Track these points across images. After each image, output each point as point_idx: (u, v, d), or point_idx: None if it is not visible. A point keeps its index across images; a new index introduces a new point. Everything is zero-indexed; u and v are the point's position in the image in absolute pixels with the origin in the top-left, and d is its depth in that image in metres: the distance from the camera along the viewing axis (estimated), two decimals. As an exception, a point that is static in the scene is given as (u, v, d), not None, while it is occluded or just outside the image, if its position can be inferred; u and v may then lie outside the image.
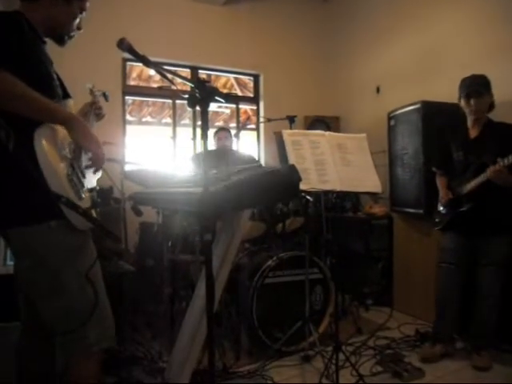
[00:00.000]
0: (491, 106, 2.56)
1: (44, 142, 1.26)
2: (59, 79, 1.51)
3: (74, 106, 1.57)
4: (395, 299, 3.69)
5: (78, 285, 1.33)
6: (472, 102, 2.50)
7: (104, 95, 1.84)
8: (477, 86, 2.48)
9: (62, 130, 1.35)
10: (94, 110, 1.73)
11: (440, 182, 2.78)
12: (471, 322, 2.64)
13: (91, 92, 1.77)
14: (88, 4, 1.54)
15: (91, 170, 1.46)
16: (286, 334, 2.68)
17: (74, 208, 1.28)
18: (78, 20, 1.52)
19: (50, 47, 1.51)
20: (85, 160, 1.47)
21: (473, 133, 2.60)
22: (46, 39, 1.49)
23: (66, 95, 1.54)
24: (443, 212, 2.70)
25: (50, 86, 1.39)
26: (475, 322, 2.61)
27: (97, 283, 1.39)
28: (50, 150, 1.28)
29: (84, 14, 1.54)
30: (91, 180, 1.53)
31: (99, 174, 1.56)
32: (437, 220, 2.76)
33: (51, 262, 1.30)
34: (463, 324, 2.74)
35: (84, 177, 1.46)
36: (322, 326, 2.88)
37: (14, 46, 1.24)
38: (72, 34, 1.54)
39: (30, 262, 1.32)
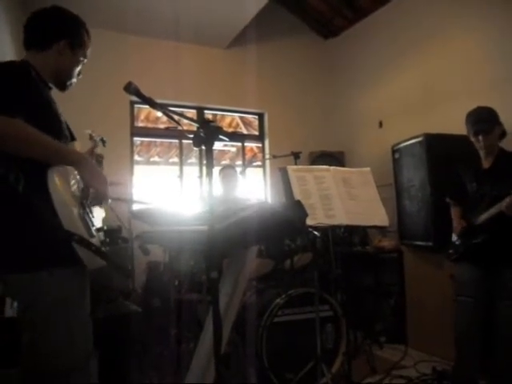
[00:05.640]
0: (502, 134, 2.50)
1: (57, 180, 1.28)
2: (65, 122, 1.55)
3: (79, 148, 1.59)
4: (409, 335, 3.58)
5: (67, 337, 1.31)
6: (481, 138, 2.45)
7: (102, 141, 1.85)
8: (483, 124, 2.43)
9: (71, 169, 1.38)
10: (95, 157, 1.75)
11: (454, 213, 2.71)
12: (493, 359, 2.51)
13: (91, 137, 1.80)
14: (89, 52, 1.61)
15: (96, 208, 1.48)
16: (297, 375, 2.59)
17: (87, 246, 1.28)
18: (79, 67, 1.59)
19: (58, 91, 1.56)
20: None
21: (486, 163, 2.54)
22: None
23: (72, 138, 1.58)
24: (457, 243, 2.64)
25: (59, 130, 1.43)
26: (496, 361, 2.47)
27: (87, 336, 1.38)
28: (62, 188, 1.30)
29: (85, 61, 1.61)
30: (98, 219, 1.54)
31: (103, 214, 1.58)
32: (450, 251, 2.68)
33: (42, 310, 1.28)
34: (485, 361, 2.60)
35: (93, 215, 1.48)
36: (335, 365, 2.78)
37: (24, 94, 1.29)
38: (74, 80, 1.60)
39: (22, 306, 1.32)
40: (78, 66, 1.57)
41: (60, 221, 1.24)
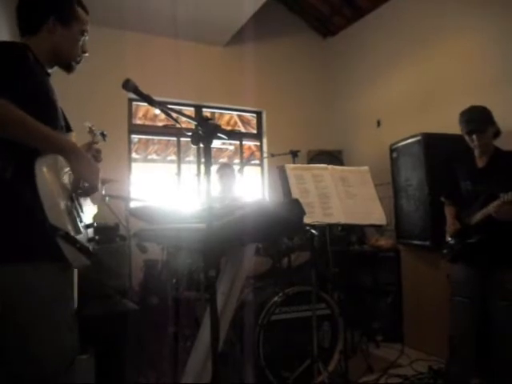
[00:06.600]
0: (497, 133, 2.49)
1: (45, 170, 1.22)
2: (62, 112, 1.49)
3: (74, 140, 1.50)
4: (406, 334, 3.59)
5: (51, 335, 1.25)
6: (474, 137, 2.45)
7: (102, 134, 1.78)
8: (477, 124, 2.43)
9: (63, 161, 1.31)
10: (92, 152, 1.65)
11: (448, 212, 2.70)
12: (488, 358, 2.51)
13: (90, 130, 1.73)
14: (88, 27, 1.51)
15: (88, 204, 1.41)
16: (293, 374, 2.59)
17: (71, 242, 1.21)
18: (81, 43, 1.50)
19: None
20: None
21: (480, 162, 2.53)
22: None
23: (68, 128, 1.51)
24: (451, 243, 2.64)
25: (54, 117, 1.37)
26: (491, 361, 2.48)
27: (74, 334, 1.32)
28: (51, 179, 1.23)
29: (87, 36, 1.52)
30: (88, 215, 1.47)
31: (95, 210, 1.52)
32: (445, 251, 2.69)
33: (25, 306, 1.21)
34: (481, 360, 2.60)
35: (82, 211, 1.40)
36: (332, 364, 2.78)
37: (16, 75, 1.22)
38: (78, 58, 1.51)
39: (7, 307, 1.21)
40: (76, 42, 1.48)
41: (45, 213, 1.18)
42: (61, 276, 1.29)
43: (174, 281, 2.90)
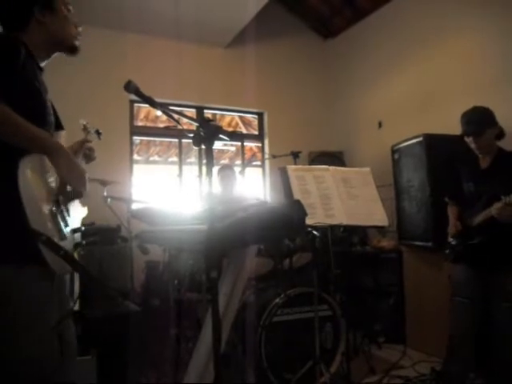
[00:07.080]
0: (500, 135, 2.46)
1: (29, 172, 1.16)
2: (53, 109, 1.44)
3: (66, 138, 1.48)
4: (408, 336, 3.57)
5: (49, 336, 1.23)
6: (472, 140, 2.44)
7: (97, 132, 1.75)
8: (473, 126, 2.41)
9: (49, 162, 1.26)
10: (84, 150, 1.61)
11: (451, 212, 2.70)
12: (489, 358, 2.51)
13: (84, 128, 1.68)
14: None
15: (76, 207, 1.37)
16: (295, 375, 2.59)
17: (54, 249, 1.17)
18: (70, 18, 1.44)
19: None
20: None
21: (483, 163, 2.52)
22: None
23: (59, 127, 1.47)
24: (453, 243, 2.64)
25: (42, 114, 1.32)
26: (493, 360, 2.48)
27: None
28: (34, 181, 1.19)
29: (71, 8, 1.45)
30: (76, 219, 1.43)
31: (84, 213, 1.49)
32: (447, 252, 2.69)
33: (25, 307, 1.18)
34: (481, 360, 2.61)
35: (69, 215, 1.36)
36: (334, 365, 2.77)
37: (6, 72, 1.19)
38: (75, 35, 1.46)
39: (2, 302, 1.17)
40: (68, 21, 1.43)
41: (27, 218, 1.13)
42: (56, 277, 1.28)
43: (176, 282, 2.90)
